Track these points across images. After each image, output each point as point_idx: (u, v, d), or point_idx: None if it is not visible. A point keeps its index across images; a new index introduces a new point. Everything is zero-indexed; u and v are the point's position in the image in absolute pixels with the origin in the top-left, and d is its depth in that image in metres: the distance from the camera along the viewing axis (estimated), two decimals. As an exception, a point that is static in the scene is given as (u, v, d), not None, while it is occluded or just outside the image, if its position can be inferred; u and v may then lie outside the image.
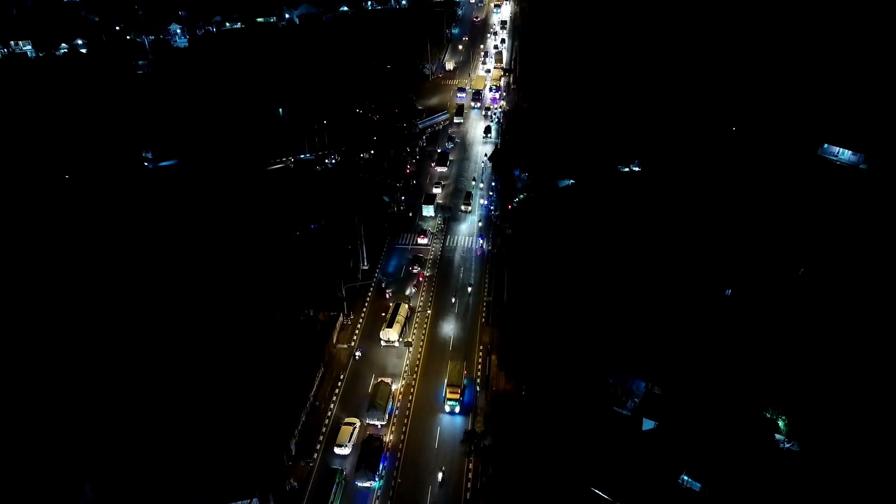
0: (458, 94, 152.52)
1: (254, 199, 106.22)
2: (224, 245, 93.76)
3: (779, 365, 70.67)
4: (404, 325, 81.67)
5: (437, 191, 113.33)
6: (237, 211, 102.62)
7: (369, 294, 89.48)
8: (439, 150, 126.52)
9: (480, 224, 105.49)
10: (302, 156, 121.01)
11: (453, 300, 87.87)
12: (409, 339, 79.06)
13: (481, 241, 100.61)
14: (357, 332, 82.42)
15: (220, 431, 65.28)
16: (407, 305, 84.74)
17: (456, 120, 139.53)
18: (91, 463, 62.44)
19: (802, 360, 71.24)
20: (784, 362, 70.96)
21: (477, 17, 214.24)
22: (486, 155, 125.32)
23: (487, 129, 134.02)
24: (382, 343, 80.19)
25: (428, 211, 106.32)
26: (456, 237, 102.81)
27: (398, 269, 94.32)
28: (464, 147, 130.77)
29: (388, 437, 67.84)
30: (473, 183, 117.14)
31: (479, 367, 76.58)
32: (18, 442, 65.12)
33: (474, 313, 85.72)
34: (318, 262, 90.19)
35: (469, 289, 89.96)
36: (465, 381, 72.88)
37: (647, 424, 66.22)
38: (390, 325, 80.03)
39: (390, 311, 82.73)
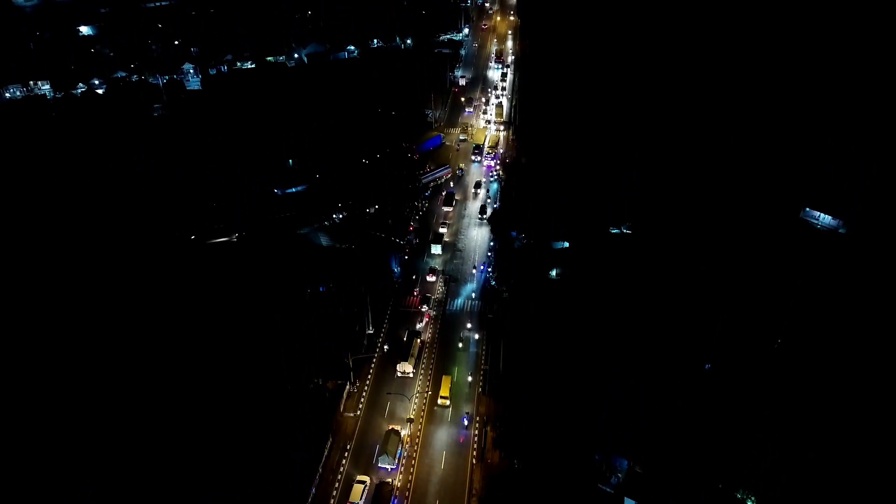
0: (466, 111, 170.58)
1: (267, 260, 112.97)
2: (240, 312, 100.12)
3: (749, 445, 77.07)
4: (417, 356, 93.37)
5: (443, 230, 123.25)
6: (251, 273, 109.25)
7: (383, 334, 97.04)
8: (446, 191, 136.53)
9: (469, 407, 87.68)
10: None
11: None
12: (410, 416, 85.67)
13: (465, 422, 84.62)
14: (363, 399, 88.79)
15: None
16: (419, 340, 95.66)
17: (461, 137, 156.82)
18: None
19: (771, 440, 77.64)
20: (754, 443, 77.37)
21: (485, 25, 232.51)
22: (473, 268, 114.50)
23: (483, 209, 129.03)
24: (398, 374, 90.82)
25: (436, 249, 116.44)
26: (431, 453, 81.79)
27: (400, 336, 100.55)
28: (465, 189, 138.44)
29: (397, 482, 76.44)
30: (460, 345, 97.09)
31: (476, 438, 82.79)
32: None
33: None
34: (325, 329, 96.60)
35: None
36: None
37: (629, 503, 72.50)
38: (405, 359, 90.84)
39: (404, 344, 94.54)
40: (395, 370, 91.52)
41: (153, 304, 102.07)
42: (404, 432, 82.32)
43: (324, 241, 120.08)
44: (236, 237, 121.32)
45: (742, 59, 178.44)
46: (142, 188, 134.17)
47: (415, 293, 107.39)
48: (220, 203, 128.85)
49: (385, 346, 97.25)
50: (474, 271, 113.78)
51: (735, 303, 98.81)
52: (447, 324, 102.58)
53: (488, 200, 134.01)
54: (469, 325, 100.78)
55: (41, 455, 77.39)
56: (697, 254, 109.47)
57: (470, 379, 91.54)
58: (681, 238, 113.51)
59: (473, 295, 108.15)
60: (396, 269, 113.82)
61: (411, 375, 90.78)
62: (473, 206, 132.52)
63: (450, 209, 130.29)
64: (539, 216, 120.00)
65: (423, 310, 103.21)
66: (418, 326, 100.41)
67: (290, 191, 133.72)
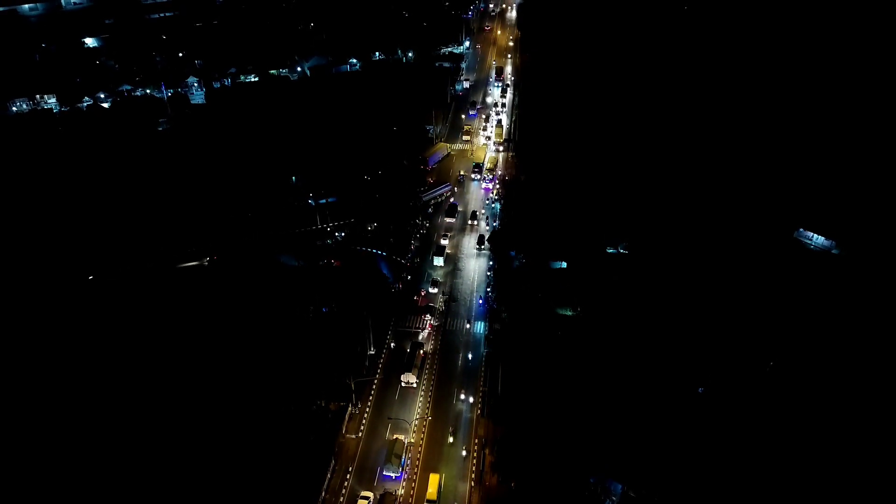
0: (470, 113, 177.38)
1: (270, 279, 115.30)
2: (246, 333, 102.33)
3: (742, 468, 79.38)
4: (420, 367, 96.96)
5: (444, 242, 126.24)
6: (256, 293, 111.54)
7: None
8: (449, 202, 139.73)
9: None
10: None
11: None
12: (411, 439, 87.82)
13: None
14: (365, 418, 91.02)
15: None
16: (421, 351, 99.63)
17: (464, 138, 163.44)
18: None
19: (764, 463, 79.88)
20: (747, 466, 79.69)
21: (487, 27, 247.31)
22: (468, 322, 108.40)
23: (481, 240, 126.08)
24: (402, 384, 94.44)
25: (438, 261, 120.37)
26: None
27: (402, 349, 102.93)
28: (467, 203, 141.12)
29: (401, 490, 79.86)
30: (451, 440, 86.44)
31: (474, 460, 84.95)
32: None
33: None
34: (328, 349, 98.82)
35: None
36: None
37: (622, 527, 74.85)
38: (409, 370, 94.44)
39: (407, 356, 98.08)
40: (398, 384, 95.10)
41: (154, 325, 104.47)
42: (406, 441, 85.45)
43: (303, 259, 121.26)
44: (207, 261, 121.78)
45: (741, 74, 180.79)
46: (143, 203, 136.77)
47: (421, 294, 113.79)
48: (222, 220, 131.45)
49: (392, 345, 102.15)
50: (468, 326, 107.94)
51: (728, 324, 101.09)
52: (447, 337, 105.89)
53: (486, 228, 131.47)
54: (462, 396, 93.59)
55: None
56: (692, 273, 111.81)
57: (463, 453, 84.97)
58: (676, 258, 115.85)
59: (470, 356, 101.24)
60: (391, 279, 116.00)
61: (415, 385, 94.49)
62: (472, 236, 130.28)
63: (452, 220, 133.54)
64: (537, 235, 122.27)
65: (425, 318, 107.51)
66: (420, 337, 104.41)
67: (321, 202, 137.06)
